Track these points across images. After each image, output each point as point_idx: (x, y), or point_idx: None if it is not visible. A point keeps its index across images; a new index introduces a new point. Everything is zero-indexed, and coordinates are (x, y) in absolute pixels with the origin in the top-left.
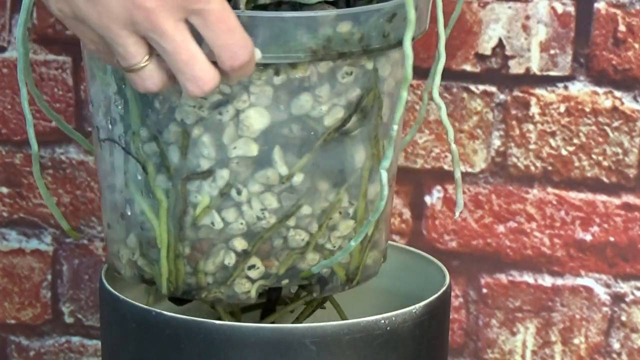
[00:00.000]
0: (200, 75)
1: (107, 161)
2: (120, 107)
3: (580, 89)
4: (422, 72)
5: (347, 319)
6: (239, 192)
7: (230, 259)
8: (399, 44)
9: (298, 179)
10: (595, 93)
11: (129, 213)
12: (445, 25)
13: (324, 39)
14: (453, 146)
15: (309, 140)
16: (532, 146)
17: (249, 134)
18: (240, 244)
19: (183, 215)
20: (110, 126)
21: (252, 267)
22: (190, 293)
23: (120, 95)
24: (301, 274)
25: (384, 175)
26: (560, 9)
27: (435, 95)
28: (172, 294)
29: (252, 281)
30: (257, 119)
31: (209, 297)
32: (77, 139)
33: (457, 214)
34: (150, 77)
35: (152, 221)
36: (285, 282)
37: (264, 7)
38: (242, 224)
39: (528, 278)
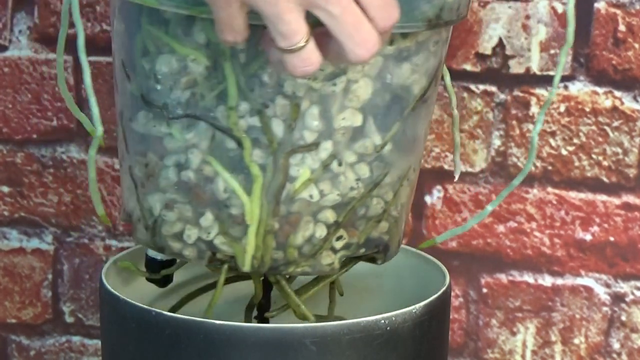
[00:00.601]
0: (368, 37)
1: (177, 139)
2: (213, 82)
3: (580, 89)
4: None
5: (340, 317)
6: (339, 164)
7: (322, 231)
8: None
9: (388, 148)
10: (595, 93)
11: (207, 191)
12: None
13: (438, 7)
14: (455, 112)
15: (400, 109)
16: None
17: (355, 104)
18: (331, 216)
19: (281, 190)
20: (192, 102)
21: (339, 238)
22: (277, 268)
23: (215, 71)
24: (421, 244)
25: (535, 138)
26: (560, 8)
27: None
28: (256, 270)
29: (336, 252)
30: (365, 89)
31: (295, 272)
32: None
33: (456, 177)
34: (309, 57)
35: (241, 197)
36: (362, 250)
37: None
38: (337, 195)
39: (528, 278)
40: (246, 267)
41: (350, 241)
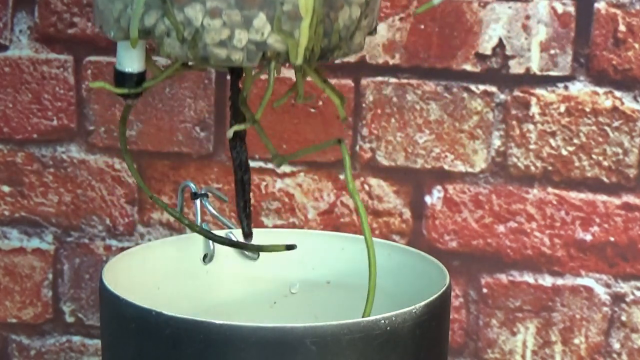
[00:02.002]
0: None
1: None
2: None
3: (580, 89)
4: (422, 72)
5: None
6: None
7: (356, 12)
8: None
9: None
10: (595, 93)
11: None
12: (436, 20)
13: None
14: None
15: None
16: (532, 146)
17: None
18: None
19: None
20: None
21: (366, 16)
22: (324, 57)
23: None
24: (418, 9)
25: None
26: (560, 9)
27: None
28: (307, 61)
29: (362, 30)
30: None
31: (338, 56)
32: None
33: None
34: None
35: None
36: (374, 25)
37: None
38: None
39: (528, 278)
40: (299, 60)
41: (372, 17)
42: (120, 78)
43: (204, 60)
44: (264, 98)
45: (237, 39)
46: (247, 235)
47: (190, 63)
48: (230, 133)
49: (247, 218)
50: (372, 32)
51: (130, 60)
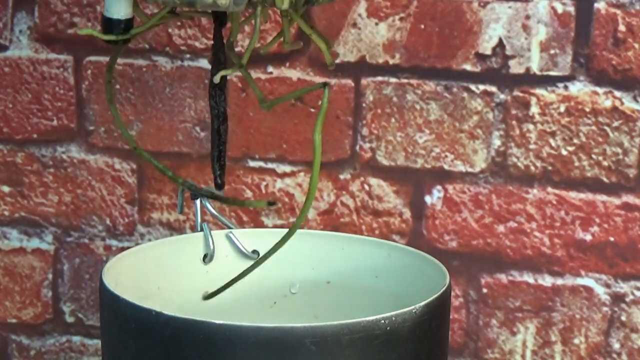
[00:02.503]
0: None
1: None
2: None
3: (580, 89)
4: (422, 71)
5: None
6: None
7: None
8: None
9: None
10: (595, 93)
11: None
12: (436, 20)
13: None
14: None
15: None
16: (532, 146)
17: None
18: None
19: None
20: None
21: None
22: (309, 2)
23: None
24: None
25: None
26: (560, 8)
27: None
28: (293, 6)
29: None
30: None
31: (323, 1)
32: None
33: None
34: None
35: None
36: None
37: None
38: None
39: (528, 278)
40: (285, 5)
41: None
42: (108, 25)
43: (190, 4)
44: (249, 43)
45: None
46: (220, 186)
47: (177, 10)
48: (217, 78)
49: (220, 169)
50: None
51: (118, 7)
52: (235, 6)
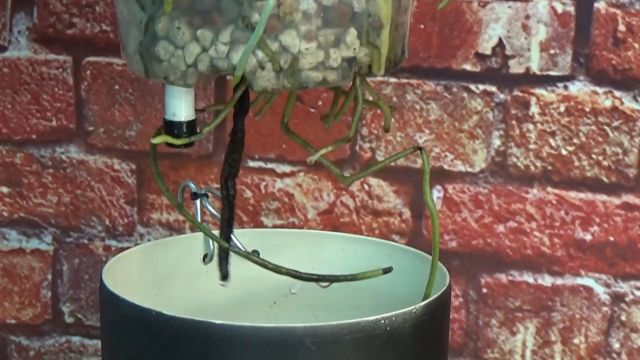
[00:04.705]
0: None
1: None
2: None
3: (580, 88)
4: (421, 71)
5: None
6: None
7: (408, 17)
8: None
9: None
10: (595, 93)
11: (347, 6)
12: (436, 20)
13: None
14: None
15: None
16: (532, 146)
17: None
18: None
19: None
20: None
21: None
22: (396, 65)
23: None
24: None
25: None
26: (560, 8)
27: None
28: (388, 69)
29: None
30: None
31: (401, 64)
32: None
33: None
34: None
35: (379, 3)
36: None
37: None
38: None
39: (528, 278)
40: (382, 71)
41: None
42: (178, 128)
43: (301, 87)
44: (354, 115)
45: (332, 58)
46: (224, 277)
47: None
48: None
49: (225, 261)
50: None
51: (187, 108)
52: (343, 80)
